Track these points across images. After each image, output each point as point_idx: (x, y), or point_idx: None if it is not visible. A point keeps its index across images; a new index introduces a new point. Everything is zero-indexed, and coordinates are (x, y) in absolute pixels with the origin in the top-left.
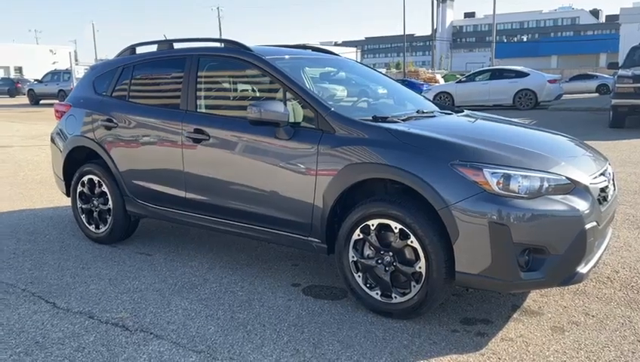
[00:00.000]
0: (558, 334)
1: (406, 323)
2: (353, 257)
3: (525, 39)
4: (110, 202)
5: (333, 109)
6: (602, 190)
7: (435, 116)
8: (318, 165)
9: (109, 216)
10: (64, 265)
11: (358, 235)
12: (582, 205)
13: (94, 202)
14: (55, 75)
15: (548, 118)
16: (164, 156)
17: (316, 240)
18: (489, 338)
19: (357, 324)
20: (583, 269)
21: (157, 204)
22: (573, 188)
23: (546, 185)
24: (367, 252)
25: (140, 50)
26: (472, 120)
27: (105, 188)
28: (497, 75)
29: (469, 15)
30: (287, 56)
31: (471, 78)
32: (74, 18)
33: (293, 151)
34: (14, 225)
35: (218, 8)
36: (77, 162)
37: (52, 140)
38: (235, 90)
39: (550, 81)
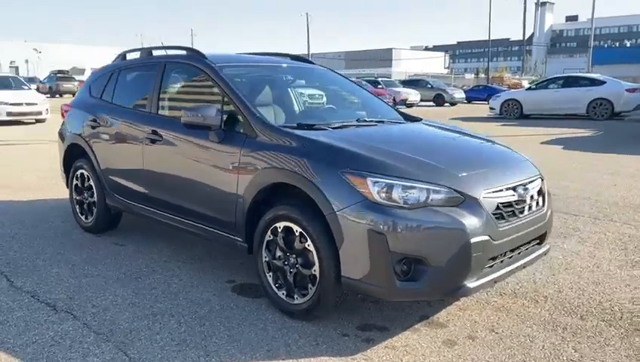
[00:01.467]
0: (446, 347)
1: (305, 323)
2: (266, 257)
3: (629, 44)
4: (95, 195)
5: (258, 115)
6: (509, 204)
7: (374, 125)
8: (239, 167)
9: (94, 208)
10: (45, 249)
11: (270, 236)
12: (468, 219)
13: (84, 194)
14: None
15: (615, 129)
16: (131, 155)
17: (239, 239)
18: (372, 345)
19: (258, 321)
20: (471, 283)
21: (128, 199)
22: (462, 201)
23: (432, 196)
24: (278, 253)
25: (130, 56)
26: (408, 130)
27: (91, 182)
28: (571, 82)
29: (572, 18)
30: (241, 64)
31: (543, 85)
32: (176, 23)
33: (222, 153)
34: (27, 212)
35: (307, 14)
36: (75, 157)
37: (59, 136)
38: (189, 94)
39: (629, 90)
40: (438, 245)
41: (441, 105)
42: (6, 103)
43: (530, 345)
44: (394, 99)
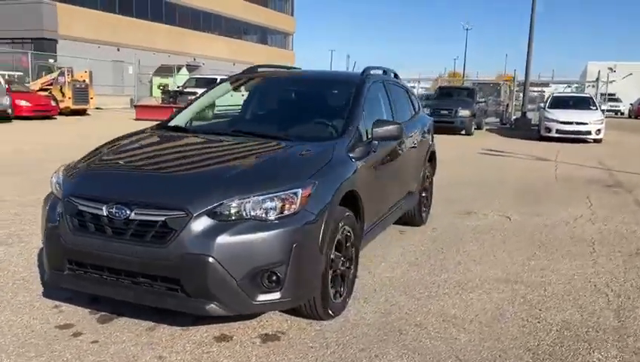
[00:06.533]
0: (85, 343)
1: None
2: None
3: None
4: None
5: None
6: (95, 217)
7: (228, 136)
8: None
9: None
10: None
11: None
12: (52, 213)
13: None
14: None
15: None
16: None
17: None
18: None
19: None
20: (55, 276)
21: None
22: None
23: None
24: None
25: None
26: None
27: None
28: None
29: None
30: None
31: None
32: None
33: None
34: None
35: None
36: None
37: None
38: None
39: None
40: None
41: None
42: (557, 121)
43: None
44: None
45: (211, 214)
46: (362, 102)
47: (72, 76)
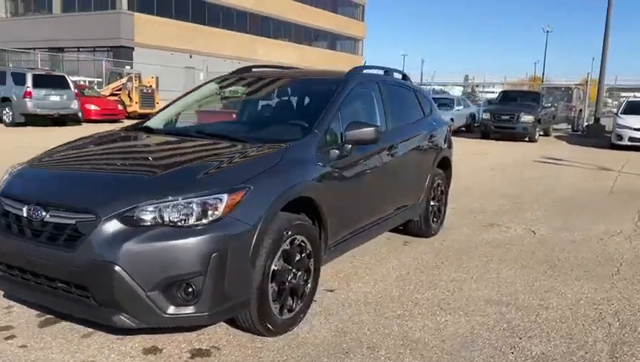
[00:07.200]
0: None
1: None
2: None
3: None
4: None
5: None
6: (16, 218)
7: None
8: None
9: None
10: None
11: None
12: None
13: None
14: None
15: None
16: None
17: None
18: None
19: None
20: None
21: None
22: None
23: None
24: None
25: None
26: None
27: None
28: None
29: None
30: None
31: None
32: None
33: None
34: None
35: None
36: None
37: None
38: None
39: None
40: None
41: None
42: (630, 128)
43: None
44: None
45: (123, 218)
46: (337, 103)
47: (140, 82)
